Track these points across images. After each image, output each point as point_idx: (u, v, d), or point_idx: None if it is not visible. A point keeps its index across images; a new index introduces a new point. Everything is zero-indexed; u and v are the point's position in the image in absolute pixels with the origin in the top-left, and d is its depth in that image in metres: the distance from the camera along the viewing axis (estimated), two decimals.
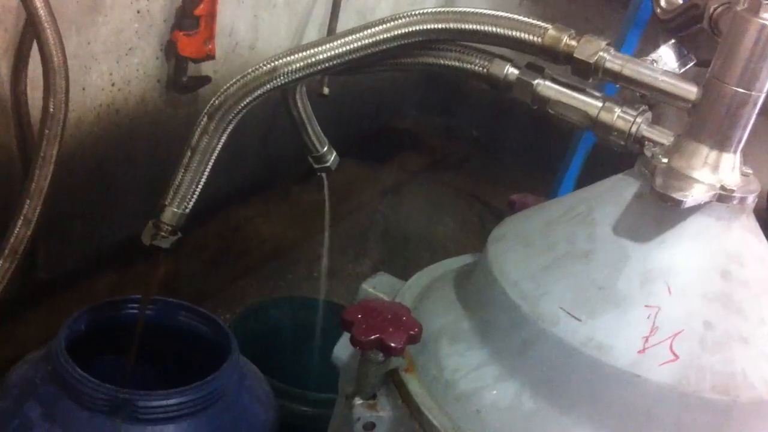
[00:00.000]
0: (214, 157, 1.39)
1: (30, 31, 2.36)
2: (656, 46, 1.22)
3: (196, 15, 2.92)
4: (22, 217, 2.10)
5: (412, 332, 1.08)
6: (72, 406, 1.47)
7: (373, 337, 1.05)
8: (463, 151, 4.73)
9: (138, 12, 2.81)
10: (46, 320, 2.65)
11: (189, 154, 1.37)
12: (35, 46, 2.37)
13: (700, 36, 1.25)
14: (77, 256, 2.85)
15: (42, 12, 2.01)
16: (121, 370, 1.60)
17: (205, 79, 3.14)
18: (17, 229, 2.11)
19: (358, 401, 1.12)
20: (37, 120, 2.48)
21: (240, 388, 1.60)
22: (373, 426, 1.11)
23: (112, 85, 2.84)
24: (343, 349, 1.30)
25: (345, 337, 1.30)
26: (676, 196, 0.99)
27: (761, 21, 0.98)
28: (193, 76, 3.09)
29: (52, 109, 2.07)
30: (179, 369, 1.70)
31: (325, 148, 1.81)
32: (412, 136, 4.78)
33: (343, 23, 3.81)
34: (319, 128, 1.77)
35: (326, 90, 3.49)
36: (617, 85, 1.13)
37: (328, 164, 1.83)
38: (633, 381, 0.98)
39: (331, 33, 3.74)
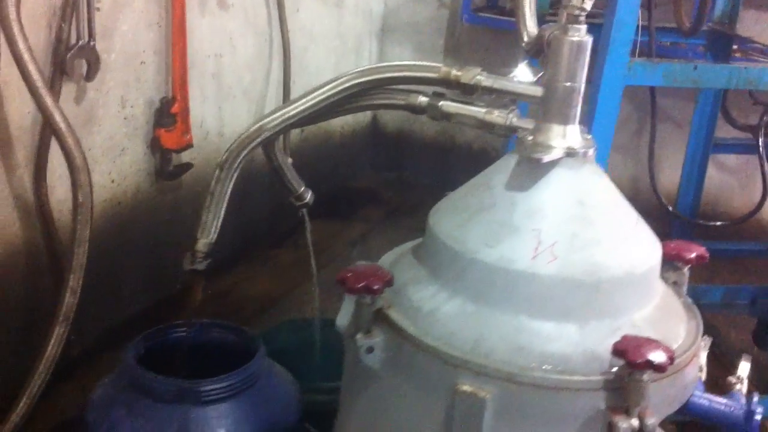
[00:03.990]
0: (227, 198, 1.91)
1: (44, 145, 2.87)
2: None
3: (173, 113, 3.44)
4: (69, 289, 2.57)
5: (387, 278, 1.61)
6: (148, 402, 1.96)
7: (361, 284, 1.58)
8: (415, 199, 5.29)
9: (125, 118, 3.33)
10: (79, 388, 3.09)
11: (209, 198, 1.90)
12: (48, 156, 2.85)
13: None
14: (97, 333, 3.30)
15: (63, 125, 2.52)
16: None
17: (188, 166, 3.65)
18: (66, 299, 2.59)
19: (359, 335, 1.63)
20: (58, 218, 2.95)
21: (270, 374, 2.11)
22: (371, 349, 1.62)
23: (112, 181, 3.33)
24: (342, 318, 1.80)
25: (343, 309, 1.81)
26: (539, 155, 1.55)
27: (570, 39, 1.55)
28: (176, 165, 3.60)
29: (81, 199, 2.55)
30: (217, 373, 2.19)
31: (302, 188, 2.33)
32: (369, 191, 5.34)
33: None
34: (294, 173, 2.30)
35: (290, 160, 4.03)
36: (492, 96, 1.70)
37: (306, 200, 2.35)
38: (531, 277, 1.51)
39: None
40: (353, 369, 1.79)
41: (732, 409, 1.68)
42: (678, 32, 2.89)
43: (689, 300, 1.80)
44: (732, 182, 5.11)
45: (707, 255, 1.83)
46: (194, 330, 2.19)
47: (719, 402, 1.70)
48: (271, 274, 4.17)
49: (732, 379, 1.79)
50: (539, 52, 1.89)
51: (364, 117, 5.70)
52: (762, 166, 3.52)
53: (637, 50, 2.44)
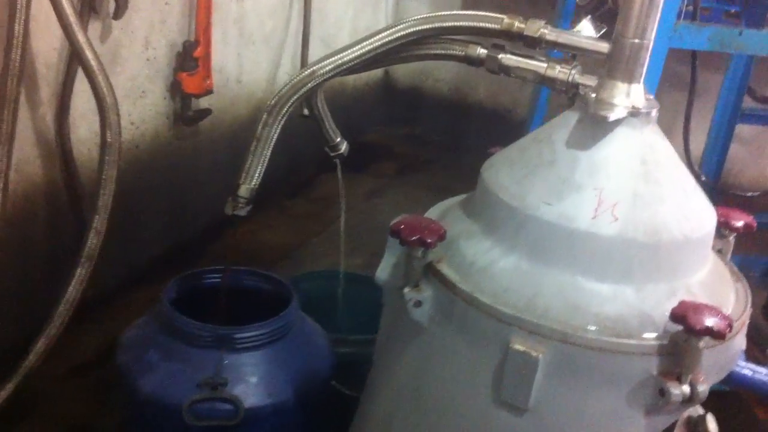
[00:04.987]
0: (272, 144, 1.87)
1: (69, 82, 2.82)
2: None
3: (195, 57, 3.39)
4: (93, 230, 2.54)
5: (441, 232, 1.58)
6: (183, 347, 1.94)
7: (415, 236, 1.55)
8: (428, 155, 5.27)
9: (147, 60, 3.28)
10: (99, 329, 3.08)
11: (255, 143, 1.86)
12: (72, 94, 2.80)
13: (605, 14, 1.80)
14: (114, 275, 3.28)
15: (94, 63, 2.47)
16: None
17: (207, 111, 3.61)
18: (90, 240, 2.56)
19: (407, 289, 1.60)
20: (78, 157, 2.91)
21: (303, 324, 2.09)
22: (419, 303, 1.60)
23: (131, 124, 3.29)
24: (383, 271, 1.78)
25: (384, 261, 1.79)
26: (604, 113, 1.51)
27: None
28: (196, 110, 3.56)
29: (109, 139, 2.51)
30: (251, 320, 2.16)
31: (339, 139, 2.30)
32: (382, 146, 5.30)
33: (311, 51, 4.31)
34: (333, 123, 2.26)
35: (306, 111, 3.99)
36: (556, 51, 1.66)
37: (341, 151, 2.32)
38: (591, 237, 1.48)
39: (304, 60, 4.24)
40: (396, 322, 1.77)
41: None
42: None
43: (735, 267, 1.78)
44: (744, 154, 5.09)
45: (755, 224, 1.81)
46: (228, 276, 2.16)
47: (762, 372, 1.69)
48: (286, 225, 4.15)
49: None
50: (596, 8, 1.84)
51: (376, 71, 5.64)
52: None
53: (683, 13, 2.39)
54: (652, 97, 1.62)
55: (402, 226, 1.58)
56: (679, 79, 3.48)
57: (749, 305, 1.65)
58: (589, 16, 1.72)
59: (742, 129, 4.96)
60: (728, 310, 1.59)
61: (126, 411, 2.02)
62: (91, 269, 2.57)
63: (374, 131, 5.54)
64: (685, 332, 1.41)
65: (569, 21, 3.38)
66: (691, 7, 2.49)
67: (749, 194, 3.41)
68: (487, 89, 5.56)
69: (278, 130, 1.86)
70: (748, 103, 3.95)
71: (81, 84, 2.72)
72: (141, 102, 3.29)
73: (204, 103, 3.61)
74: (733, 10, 3.60)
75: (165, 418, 1.89)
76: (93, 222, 2.54)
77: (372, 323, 2.25)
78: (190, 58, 3.36)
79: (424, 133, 5.59)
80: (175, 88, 3.42)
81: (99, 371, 2.87)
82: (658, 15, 1.53)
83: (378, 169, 4.97)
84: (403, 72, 5.75)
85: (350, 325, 2.60)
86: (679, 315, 1.42)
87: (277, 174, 4.45)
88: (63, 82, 2.79)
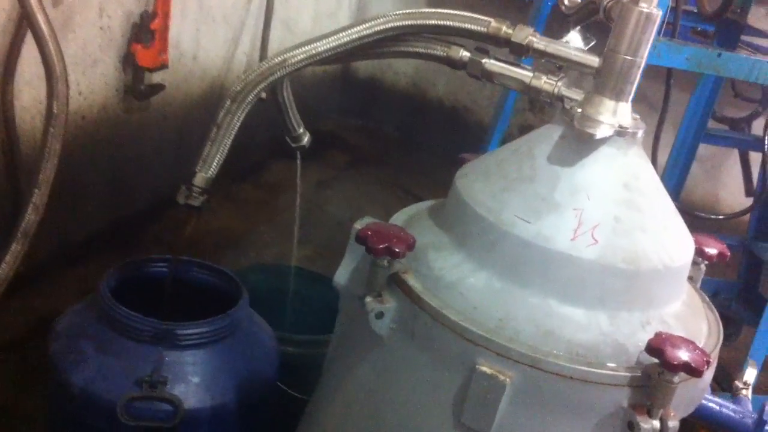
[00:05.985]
0: (233, 133, 1.76)
1: (16, 48, 2.67)
2: (559, 36, 1.68)
3: (152, 29, 3.24)
4: (32, 205, 2.39)
5: (410, 242, 1.49)
6: (121, 340, 1.81)
7: (382, 246, 1.46)
8: (382, 148, 5.18)
9: (101, 28, 3.13)
10: (26, 307, 2.93)
11: (215, 129, 1.74)
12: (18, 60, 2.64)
13: (592, 25, 1.72)
14: (49, 251, 3.12)
15: (46, 29, 2.33)
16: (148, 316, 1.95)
17: (160, 87, 3.46)
18: (27, 216, 2.41)
19: (368, 299, 1.51)
20: (20, 125, 2.76)
21: (251, 323, 1.98)
22: (381, 315, 1.51)
23: (79, 94, 3.14)
24: (341, 276, 1.69)
25: (343, 266, 1.69)
26: (590, 131, 1.44)
27: (639, 9, 1.44)
28: (149, 84, 3.41)
29: (55, 111, 2.37)
30: (196, 315, 2.05)
31: (301, 130, 2.20)
32: (335, 136, 5.19)
33: (272, 33, 4.17)
34: (297, 113, 2.16)
35: (263, 95, 3.86)
36: (543, 60, 1.58)
37: (303, 143, 2.22)
38: (569, 259, 1.41)
39: (264, 42, 4.11)
40: (352, 331, 1.68)
41: (742, 416, 1.63)
42: (691, 16, 2.80)
43: (705, 296, 1.73)
44: (698, 171, 5.11)
45: (728, 253, 1.76)
46: (173, 267, 2.04)
47: (729, 407, 1.65)
48: (231, 210, 4.02)
49: (738, 384, 1.74)
50: (583, 19, 1.77)
51: None
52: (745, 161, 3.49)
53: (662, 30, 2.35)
54: (638, 117, 1.55)
55: (369, 233, 1.49)
56: (643, 94, 3.44)
57: (721, 338, 1.60)
58: (578, 27, 1.65)
59: (699, 147, 5.00)
60: (701, 342, 1.54)
61: (56, 403, 1.89)
62: (27, 246, 2.43)
63: (329, 120, 5.42)
64: (661, 366, 1.35)
65: (542, 29, 3.32)
66: (671, 26, 2.45)
67: (713, 216, 3.40)
68: (447, 85, 5.48)
69: (241, 118, 1.76)
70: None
71: (30, 50, 2.56)
72: (91, 71, 3.13)
73: (157, 77, 3.46)
74: (700, 28, 3.58)
75: (98, 415, 1.77)
76: (32, 197, 2.39)
77: (321, 323, 2.16)
78: (147, 29, 3.21)
79: (379, 126, 5.49)
80: (128, 60, 3.26)
81: (23, 352, 2.72)
82: (653, 33, 1.46)
83: (330, 160, 4.86)
84: (363, 62, 5.64)
85: (298, 323, 2.50)
86: (656, 348, 1.36)
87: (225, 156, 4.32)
88: (9, 45, 2.63)
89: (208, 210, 3.94)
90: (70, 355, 1.83)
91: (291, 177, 4.43)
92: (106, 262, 3.12)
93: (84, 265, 3.23)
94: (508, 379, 1.37)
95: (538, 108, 5.11)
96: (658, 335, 1.38)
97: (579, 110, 1.51)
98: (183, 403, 1.76)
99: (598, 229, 1.43)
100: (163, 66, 3.36)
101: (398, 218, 1.75)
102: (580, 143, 1.49)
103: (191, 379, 1.81)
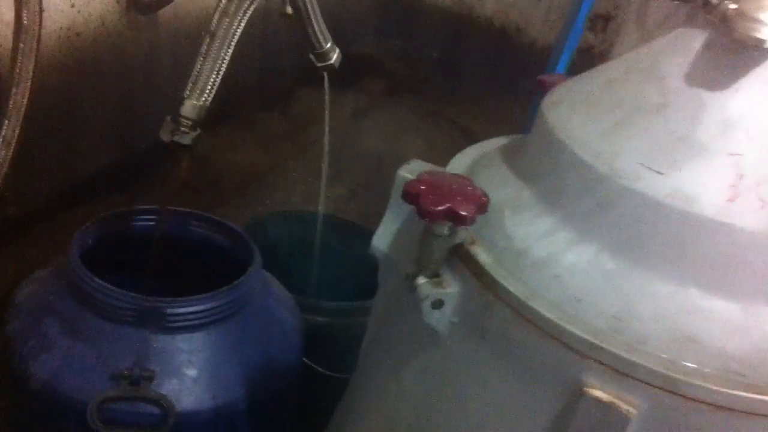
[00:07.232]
0: (234, 43, 1.30)
1: None
2: None
3: None
4: (1, 138, 1.98)
5: (481, 201, 1.03)
6: (94, 320, 1.39)
7: (442, 207, 1.00)
8: (423, 73, 4.68)
9: None
10: (22, 256, 2.55)
11: (208, 40, 1.28)
12: None
13: None
14: (47, 190, 2.74)
15: None
16: (135, 285, 1.52)
17: None
18: None
19: (421, 280, 1.07)
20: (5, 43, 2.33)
21: (266, 294, 1.54)
22: (441, 303, 1.06)
23: (72, 6, 2.70)
24: (381, 239, 1.25)
25: (383, 225, 1.25)
26: (754, 35, 0.95)
27: None
28: None
29: (25, 22, 1.94)
30: (195, 283, 1.63)
31: (329, 45, 1.73)
32: (371, 60, 4.71)
33: None
34: (323, 25, 1.69)
35: (289, 9, 3.38)
36: None
37: (331, 62, 1.76)
38: (722, 229, 0.94)
39: None
40: (397, 318, 1.24)
41: None
42: None
43: None
44: None
45: None
46: (167, 220, 1.60)
47: None
48: (257, 143, 3.57)
49: None
50: None
51: None
52: None
53: None
54: None
55: (423, 188, 1.03)
56: None
57: None
58: None
59: None
60: None
61: (14, 399, 1.48)
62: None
63: (364, 43, 4.91)
64: None
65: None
66: None
67: None
68: (497, 2, 4.92)
69: (242, 24, 1.29)
70: None
71: None
72: None
73: None
74: None
75: (64, 417, 1.36)
76: (1, 128, 1.96)
77: (357, 286, 1.75)
78: None
79: (419, 49, 4.97)
80: None
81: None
82: None
83: (365, 87, 4.37)
84: None
85: (328, 286, 2.07)
86: None
87: (247, 82, 3.87)
88: None
89: (229, 143, 3.56)
90: (30, 338, 1.41)
91: (323, 107, 4.01)
92: (114, 203, 2.71)
93: (85, 206, 2.84)
94: (632, 410, 0.92)
95: (599, 27, 4.54)
96: None
97: (733, 6, 1.02)
98: (175, 404, 1.34)
99: (766, 186, 0.96)
100: None
101: (459, 162, 1.28)
102: (735, 55, 1.00)
103: (186, 373, 1.38)
